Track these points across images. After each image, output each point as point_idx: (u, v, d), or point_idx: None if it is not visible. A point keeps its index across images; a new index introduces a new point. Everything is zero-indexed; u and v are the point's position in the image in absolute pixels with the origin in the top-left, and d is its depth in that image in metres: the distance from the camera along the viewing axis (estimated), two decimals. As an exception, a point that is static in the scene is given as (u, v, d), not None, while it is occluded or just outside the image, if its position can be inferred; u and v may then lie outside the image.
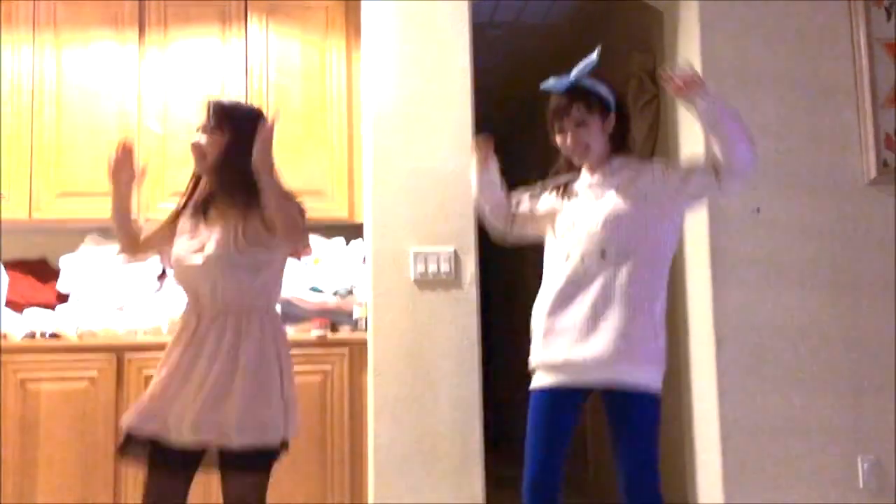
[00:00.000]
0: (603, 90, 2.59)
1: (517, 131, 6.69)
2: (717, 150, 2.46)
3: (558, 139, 2.60)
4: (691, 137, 3.70)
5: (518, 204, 2.80)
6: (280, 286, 2.66)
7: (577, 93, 2.56)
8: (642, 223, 2.50)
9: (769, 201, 3.57)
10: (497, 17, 5.23)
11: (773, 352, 3.50)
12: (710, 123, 2.45)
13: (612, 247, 2.48)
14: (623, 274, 2.46)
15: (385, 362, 3.44)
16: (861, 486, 3.45)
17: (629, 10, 4.50)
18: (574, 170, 2.67)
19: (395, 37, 3.61)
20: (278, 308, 2.70)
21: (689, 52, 3.72)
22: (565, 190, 2.65)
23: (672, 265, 3.94)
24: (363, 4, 3.67)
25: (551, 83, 2.61)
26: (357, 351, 3.56)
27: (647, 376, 2.49)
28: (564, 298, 2.52)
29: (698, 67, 3.63)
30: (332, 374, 3.55)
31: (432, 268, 3.49)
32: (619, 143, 2.60)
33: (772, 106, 3.62)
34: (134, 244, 2.73)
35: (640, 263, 2.48)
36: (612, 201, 2.53)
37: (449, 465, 3.40)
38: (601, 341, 2.44)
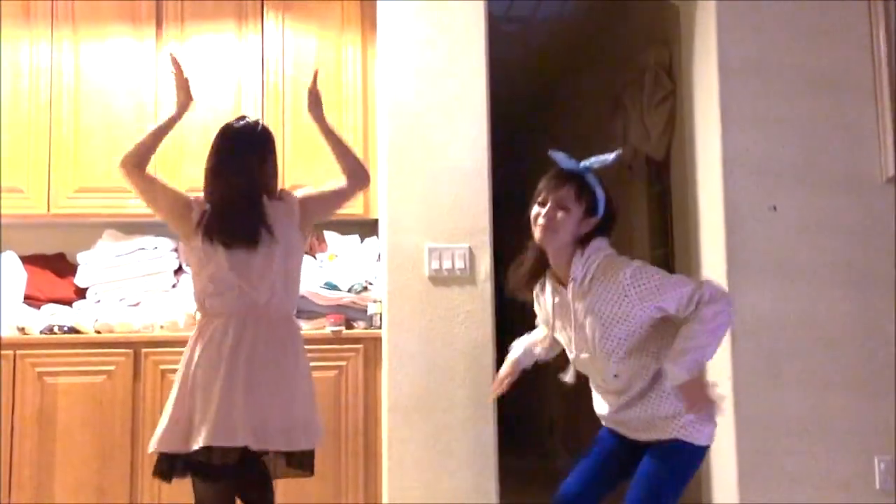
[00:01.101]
0: (599, 193, 2.52)
1: (532, 126, 6.67)
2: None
3: (535, 209, 2.53)
4: (707, 133, 3.69)
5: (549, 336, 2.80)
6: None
7: (575, 178, 2.50)
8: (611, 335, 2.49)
9: (786, 199, 3.55)
10: (513, 13, 5.22)
11: (789, 350, 3.48)
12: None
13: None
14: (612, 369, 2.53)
15: (400, 359, 3.44)
16: (878, 486, 3.43)
17: (645, 5, 4.48)
18: (542, 268, 2.60)
19: (410, 32, 3.61)
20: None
21: (705, 46, 3.70)
22: (538, 293, 2.69)
23: (687, 263, 3.96)
24: (379, 1, 3.67)
25: (561, 157, 2.55)
26: (372, 347, 3.57)
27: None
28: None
29: (714, 62, 3.61)
30: (347, 370, 3.56)
31: (447, 264, 3.49)
32: (586, 243, 2.50)
33: (788, 102, 3.60)
34: (142, 163, 2.80)
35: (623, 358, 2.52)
36: (581, 326, 2.51)
37: (463, 462, 3.41)
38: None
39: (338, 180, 2.92)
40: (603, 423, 2.69)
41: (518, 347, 2.88)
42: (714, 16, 3.63)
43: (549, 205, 2.49)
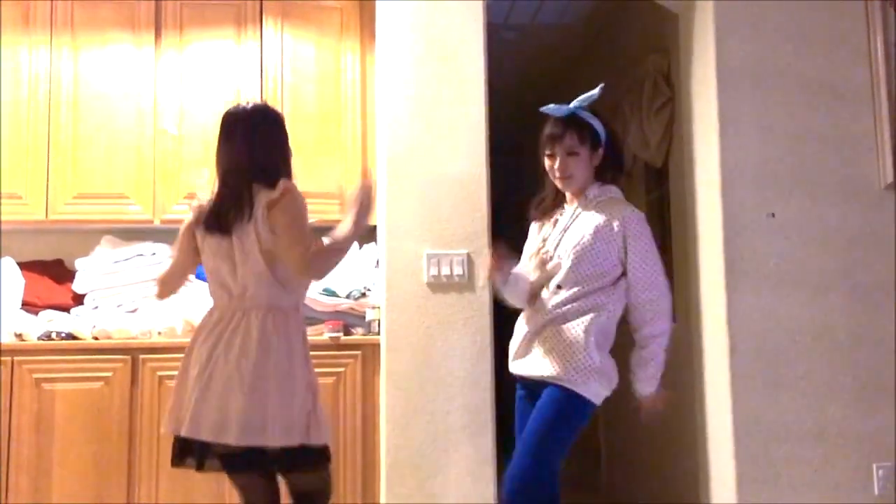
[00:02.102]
0: (597, 125, 2.69)
1: (531, 133, 6.68)
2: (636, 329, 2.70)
3: (547, 163, 2.71)
4: (706, 140, 3.69)
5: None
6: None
7: (572, 122, 2.66)
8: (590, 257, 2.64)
9: (784, 205, 3.54)
10: (512, 20, 5.23)
11: (788, 357, 3.48)
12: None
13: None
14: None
15: (398, 365, 3.44)
16: (876, 493, 3.42)
17: (644, 12, 4.49)
18: (560, 198, 2.80)
19: (409, 39, 3.61)
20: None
21: (703, 54, 3.71)
22: (550, 218, 2.80)
23: (685, 270, 3.96)
24: (378, 7, 3.68)
25: (551, 108, 2.69)
26: (370, 353, 3.57)
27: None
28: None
29: (713, 70, 3.62)
30: (345, 376, 3.56)
31: (445, 270, 3.49)
32: (603, 176, 2.73)
33: (787, 109, 3.60)
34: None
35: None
36: (574, 231, 2.69)
37: (461, 468, 3.40)
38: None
39: (315, 249, 2.58)
40: (511, 363, 2.80)
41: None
42: (712, 23, 3.64)
43: (559, 156, 2.66)
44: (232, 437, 2.45)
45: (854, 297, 3.52)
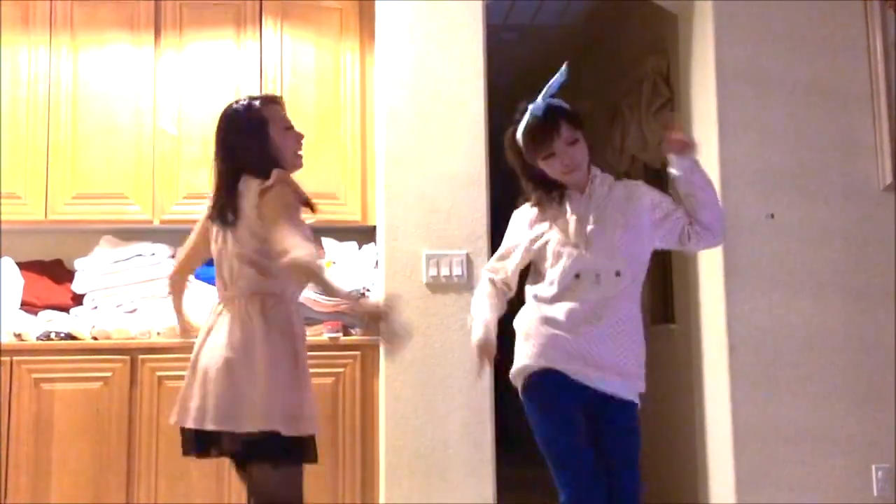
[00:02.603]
0: (569, 107, 2.55)
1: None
2: (695, 212, 2.52)
3: (546, 164, 2.51)
4: (705, 141, 3.69)
5: (508, 281, 2.69)
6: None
7: (561, 112, 2.52)
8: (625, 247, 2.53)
9: (783, 207, 3.55)
10: (511, 20, 5.23)
11: (787, 358, 3.48)
12: (688, 186, 2.51)
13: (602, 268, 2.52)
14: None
15: (397, 366, 3.44)
16: (875, 494, 3.43)
17: (643, 14, 4.49)
18: (553, 195, 2.59)
19: (409, 40, 3.61)
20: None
21: (703, 55, 3.71)
22: (549, 207, 2.60)
23: (685, 271, 3.96)
24: (377, 7, 3.68)
25: (533, 107, 2.53)
26: (369, 354, 3.57)
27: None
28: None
29: (712, 71, 3.62)
30: (344, 376, 3.55)
31: (444, 271, 3.49)
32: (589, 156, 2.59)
33: (786, 110, 3.61)
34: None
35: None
36: (602, 225, 2.53)
37: (461, 469, 3.40)
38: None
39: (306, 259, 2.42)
40: (561, 362, 2.49)
41: (483, 311, 2.63)
42: (711, 25, 3.65)
43: (560, 151, 2.48)
44: (210, 422, 2.43)
45: (853, 299, 3.53)
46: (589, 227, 2.52)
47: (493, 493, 3.41)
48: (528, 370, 2.52)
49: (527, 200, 2.65)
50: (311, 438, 2.51)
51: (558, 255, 2.53)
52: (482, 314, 2.62)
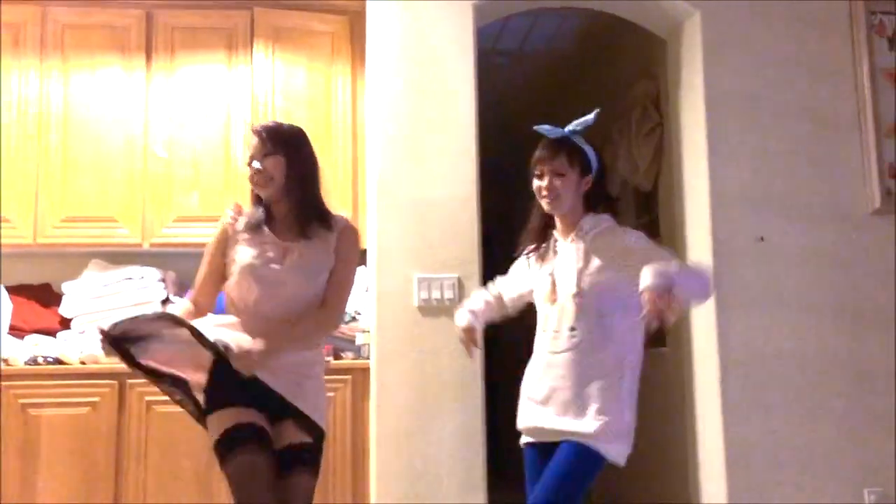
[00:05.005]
0: (590, 151, 2.66)
1: (521, 158, 6.69)
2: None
3: (535, 183, 2.65)
4: (695, 165, 3.71)
5: (501, 297, 2.89)
6: None
7: (564, 145, 2.63)
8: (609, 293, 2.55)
9: (773, 230, 3.57)
10: (501, 44, 5.26)
11: (778, 380, 3.48)
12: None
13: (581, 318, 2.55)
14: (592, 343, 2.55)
15: (388, 389, 3.42)
16: (867, 517, 3.43)
17: (633, 39, 4.53)
18: (550, 226, 2.71)
19: (399, 64, 3.63)
20: None
21: (692, 80, 3.74)
22: (540, 255, 2.72)
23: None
24: (368, 31, 3.69)
25: (545, 129, 2.67)
26: (360, 378, 3.55)
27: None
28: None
29: (701, 96, 3.65)
30: (335, 400, 3.53)
31: (436, 294, 3.48)
32: (593, 205, 2.66)
33: (775, 134, 3.64)
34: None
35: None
36: (585, 272, 2.57)
37: (452, 493, 3.38)
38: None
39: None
40: (525, 419, 2.64)
41: (473, 301, 2.92)
42: (700, 50, 3.68)
43: (546, 176, 2.61)
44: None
45: (843, 321, 3.54)
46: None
47: (485, 518, 3.39)
48: None
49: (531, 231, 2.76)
50: None
51: None
52: (470, 303, 2.91)
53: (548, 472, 2.49)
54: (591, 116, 2.64)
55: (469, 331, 2.84)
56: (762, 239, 3.56)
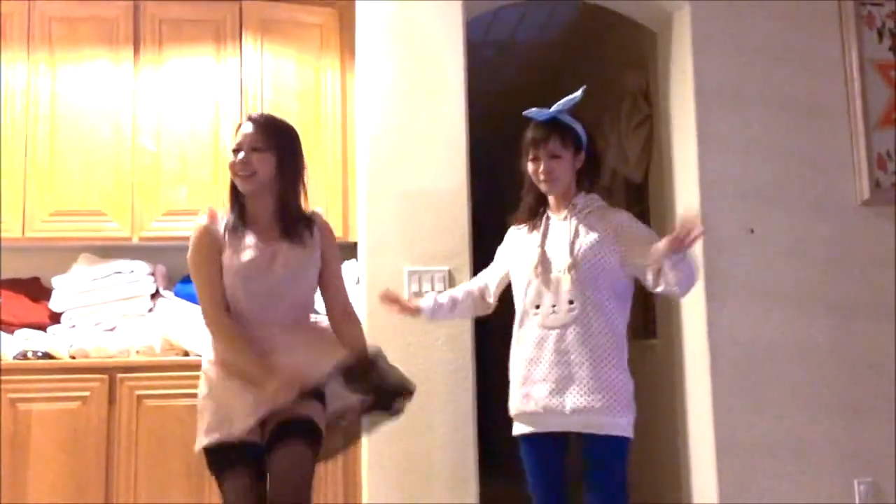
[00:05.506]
0: (579, 128, 2.70)
1: (511, 150, 6.69)
2: (667, 276, 2.49)
3: (530, 166, 2.69)
4: (685, 156, 3.71)
5: (487, 288, 2.92)
6: None
7: (555, 126, 2.66)
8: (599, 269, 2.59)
9: (763, 221, 3.58)
10: (491, 36, 5.25)
11: (768, 372, 3.49)
12: (671, 266, 2.47)
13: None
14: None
15: (379, 382, 3.41)
16: (857, 508, 3.44)
17: (623, 30, 4.53)
18: (542, 202, 2.75)
19: (389, 57, 3.61)
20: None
21: (682, 72, 3.74)
22: (532, 225, 2.75)
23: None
24: (357, 23, 3.68)
25: (534, 112, 2.69)
26: (351, 371, 3.54)
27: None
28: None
29: (691, 87, 3.65)
30: (326, 394, 3.53)
31: (426, 287, 3.48)
32: (586, 182, 2.73)
33: (764, 126, 3.64)
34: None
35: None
36: (578, 245, 2.61)
37: (444, 486, 3.38)
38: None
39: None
40: (520, 404, 2.64)
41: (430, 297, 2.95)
42: (690, 41, 3.68)
43: (543, 159, 2.65)
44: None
45: (833, 312, 3.55)
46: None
47: (477, 511, 3.39)
48: None
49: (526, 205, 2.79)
50: None
51: None
52: (442, 294, 2.97)
53: (595, 483, 2.53)
54: (577, 94, 2.66)
55: (400, 302, 2.93)
56: (752, 231, 3.57)
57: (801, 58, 3.70)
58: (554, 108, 2.66)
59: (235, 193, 2.64)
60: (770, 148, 3.63)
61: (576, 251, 2.59)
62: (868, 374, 3.53)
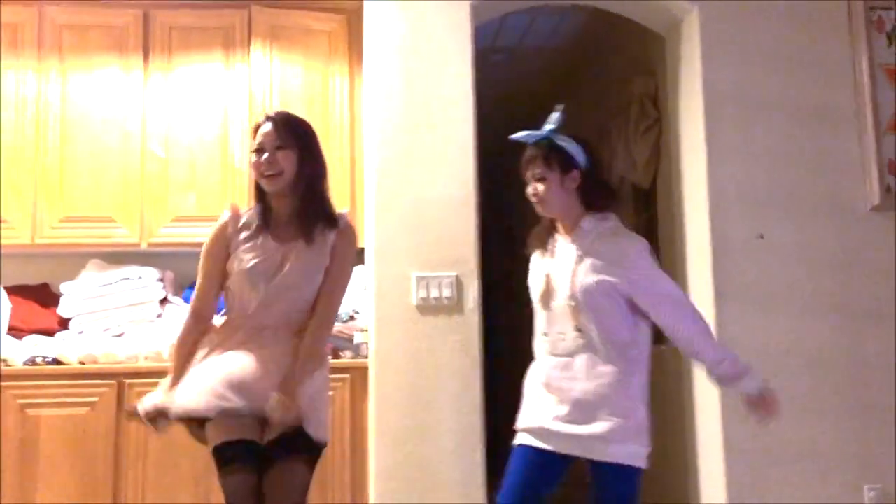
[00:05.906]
0: (571, 148, 2.60)
1: (520, 155, 6.68)
2: (712, 373, 2.65)
3: (527, 188, 2.67)
4: (693, 162, 3.70)
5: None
6: None
7: (540, 147, 2.62)
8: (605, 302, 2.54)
9: (772, 227, 3.56)
10: (500, 42, 5.26)
11: (777, 378, 3.45)
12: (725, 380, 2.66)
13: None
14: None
15: (387, 388, 3.42)
16: (867, 514, 3.42)
17: (631, 35, 4.52)
18: (553, 230, 2.70)
19: (397, 62, 3.62)
20: None
21: (690, 77, 3.73)
22: (543, 250, 2.70)
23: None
24: (365, 30, 3.69)
25: (521, 135, 2.65)
26: (358, 377, 3.55)
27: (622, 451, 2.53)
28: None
29: (699, 92, 3.64)
30: (334, 400, 3.52)
31: (434, 293, 3.48)
32: (595, 200, 2.62)
33: (774, 131, 3.63)
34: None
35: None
36: (579, 274, 2.54)
37: (451, 492, 3.37)
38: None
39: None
40: (529, 420, 2.59)
41: None
42: (699, 46, 3.67)
43: (531, 181, 2.63)
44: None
45: (843, 318, 3.53)
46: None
47: (485, 516, 3.38)
48: None
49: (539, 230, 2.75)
50: None
51: None
52: None
53: None
54: (556, 115, 2.61)
55: None
56: (762, 236, 3.55)
57: (811, 62, 3.69)
58: (522, 135, 2.63)
59: (261, 193, 2.63)
60: (779, 152, 3.61)
61: (577, 280, 2.52)
62: (878, 379, 3.50)
